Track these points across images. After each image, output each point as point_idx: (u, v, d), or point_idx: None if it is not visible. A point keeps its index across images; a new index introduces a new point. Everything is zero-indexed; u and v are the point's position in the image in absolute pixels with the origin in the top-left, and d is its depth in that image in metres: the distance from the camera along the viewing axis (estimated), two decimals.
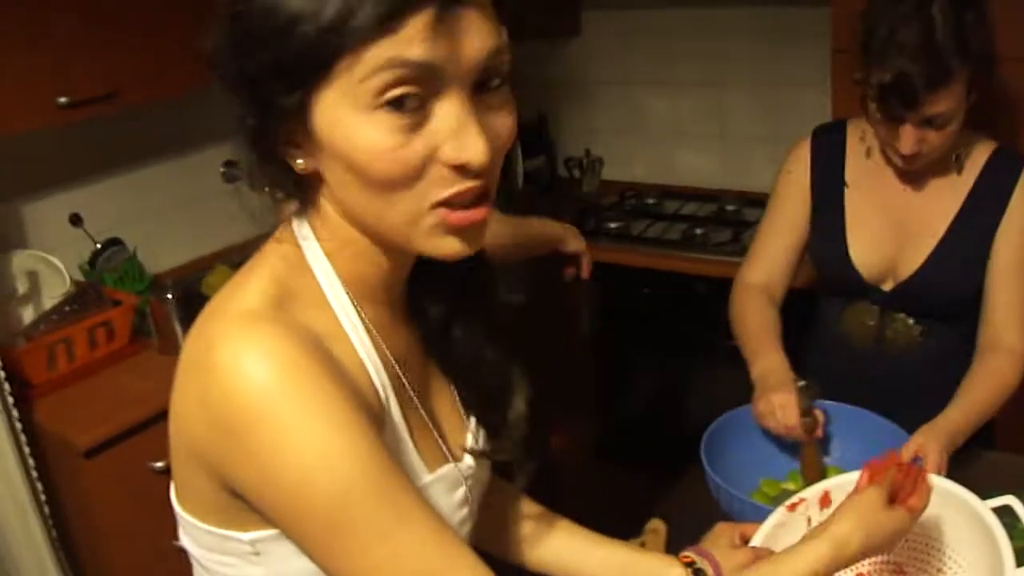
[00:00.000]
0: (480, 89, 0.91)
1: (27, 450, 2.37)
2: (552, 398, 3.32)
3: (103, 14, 2.51)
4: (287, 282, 0.98)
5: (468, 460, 1.16)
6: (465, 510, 1.15)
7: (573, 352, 3.55)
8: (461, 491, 1.14)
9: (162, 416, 2.35)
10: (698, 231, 3.33)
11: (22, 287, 2.64)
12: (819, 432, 1.80)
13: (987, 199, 1.92)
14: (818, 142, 2.09)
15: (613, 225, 3.48)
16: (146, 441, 2.43)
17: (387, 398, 1.03)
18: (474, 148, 0.88)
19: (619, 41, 3.78)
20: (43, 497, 2.43)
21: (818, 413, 1.81)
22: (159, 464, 2.42)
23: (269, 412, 0.88)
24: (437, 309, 1.15)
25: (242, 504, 0.96)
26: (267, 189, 0.99)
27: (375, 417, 0.99)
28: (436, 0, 0.83)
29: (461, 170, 0.90)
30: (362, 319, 1.02)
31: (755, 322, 2.05)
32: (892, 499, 1.23)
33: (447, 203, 0.92)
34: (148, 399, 2.47)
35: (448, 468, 1.12)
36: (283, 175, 0.97)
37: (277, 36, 0.85)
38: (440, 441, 1.13)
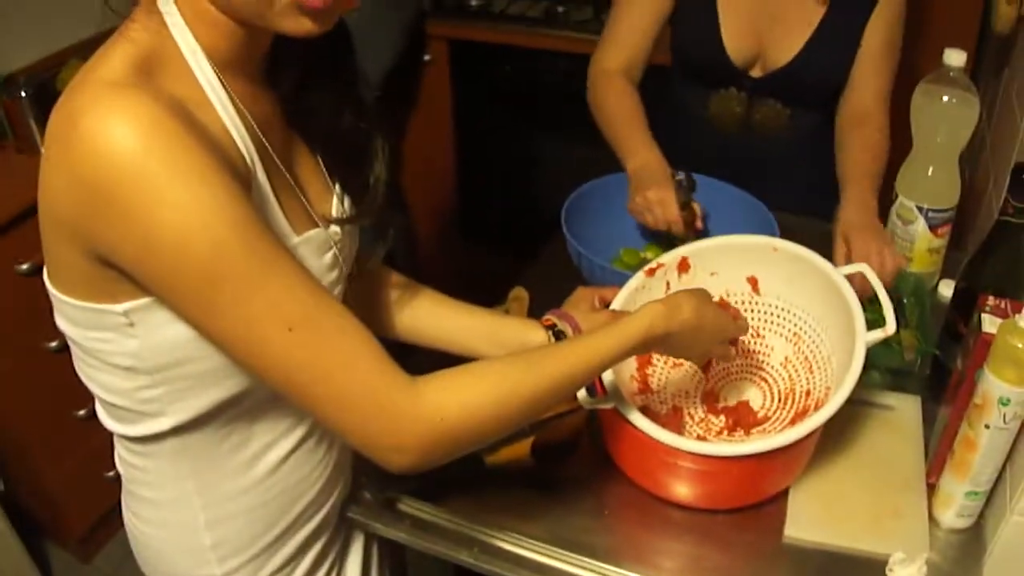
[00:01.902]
0: None
1: None
2: (414, 177, 3.32)
3: None
4: (150, 52, 0.96)
5: (335, 228, 1.18)
6: (335, 272, 1.19)
7: (434, 129, 3.53)
8: (330, 254, 1.17)
9: (25, 215, 2.35)
10: (560, 8, 3.29)
11: None
12: (699, 224, 1.79)
13: None
14: None
15: (474, 2, 3.40)
16: (10, 242, 2.37)
17: (253, 163, 1.04)
18: None
19: None
20: None
21: (696, 206, 1.79)
22: (25, 266, 2.39)
23: (138, 174, 0.88)
24: (291, 77, 1.15)
25: (114, 275, 0.96)
26: None
27: (242, 179, 1.00)
28: None
29: None
30: (225, 88, 1.02)
31: (620, 111, 2.00)
32: None
33: None
34: (9, 199, 2.39)
35: (316, 231, 1.14)
36: None
37: None
38: (307, 206, 1.15)
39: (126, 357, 1.04)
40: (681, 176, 1.79)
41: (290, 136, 1.17)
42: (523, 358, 1.12)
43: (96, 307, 1.01)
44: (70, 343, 1.09)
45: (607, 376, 1.31)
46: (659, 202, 1.77)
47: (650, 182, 1.81)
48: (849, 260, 1.65)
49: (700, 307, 1.24)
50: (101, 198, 0.89)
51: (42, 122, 2.56)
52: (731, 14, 1.97)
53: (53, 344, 2.45)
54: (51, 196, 0.95)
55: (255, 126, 1.05)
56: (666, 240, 1.82)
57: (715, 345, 1.31)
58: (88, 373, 1.11)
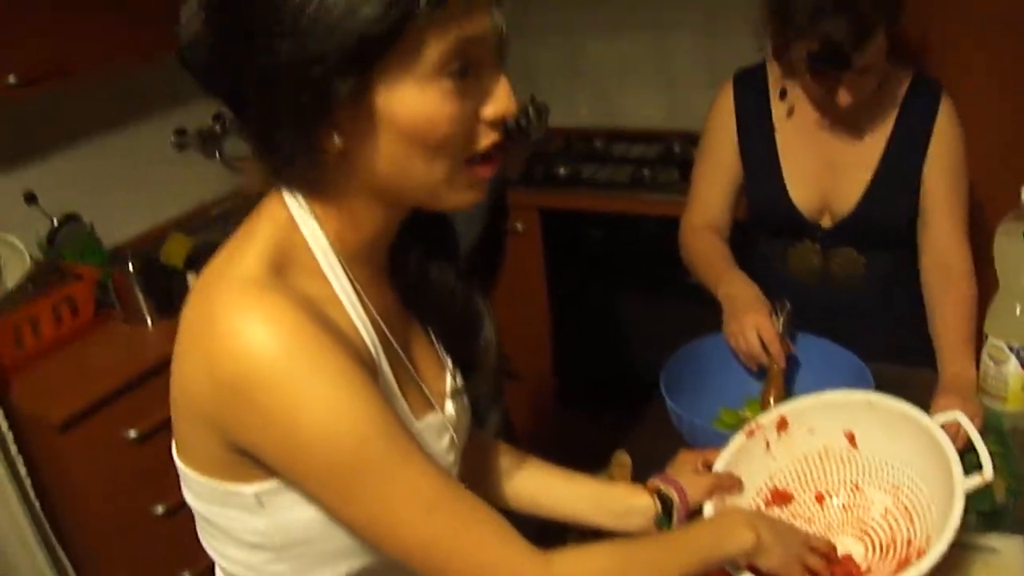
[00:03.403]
0: None
1: (4, 425, 2.39)
2: (511, 346, 3.38)
3: None
4: (280, 248, 1.01)
5: (451, 409, 1.22)
6: (453, 455, 1.21)
7: (527, 296, 3.58)
8: (447, 437, 1.20)
9: (133, 385, 2.46)
10: (646, 172, 3.36)
11: None
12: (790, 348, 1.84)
13: (913, 127, 1.96)
14: (740, 85, 2.11)
15: (562, 171, 3.49)
16: (119, 411, 2.46)
17: (377, 354, 1.07)
18: (511, 102, 1.00)
19: None
20: (23, 471, 2.45)
21: (786, 340, 1.84)
22: (133, 433, 2.46)
23: (280, 377, 0.92)
24: (416, 257, 1.21)
25: (247, 460, 1.00)
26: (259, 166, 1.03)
27: (370, 371, 1.04)
28: None
29: (497, 124, 1.01)
30: (351, 281, 1.06)
31: (710, 252, 2.08)
32: None
33: (480, 156, 1.02)
34: (117, 370, 2.50)
35: (434, 415, 1.17)
36: (305, 157, 0.98)
37: (330, 27, 0.89)
38: (425, 390, 1.18)
39: (253, 534, 1.06)
40: (787, 305, 1.84)
41: (405, 319, 1.21)
42: (650, 544, 1.23)
43: (226, 487, 1.03)
44: (195, 514, 1.12)
45: None
46: (757, 327, 1.81)
47: (747, 306, 1.86)
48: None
49: (773, 525, 1.32)
50: (242, 398, 0.93)
51: (148, 294, 2.71)
52: (794, 167, 2.05)
53: (160, 509, 2.49)
54: (187, 385, 0.99)
55: (377, 316, 1.09)
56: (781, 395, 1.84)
57: (805, 549, 1.33)
58: (212, 544, 1.13)
